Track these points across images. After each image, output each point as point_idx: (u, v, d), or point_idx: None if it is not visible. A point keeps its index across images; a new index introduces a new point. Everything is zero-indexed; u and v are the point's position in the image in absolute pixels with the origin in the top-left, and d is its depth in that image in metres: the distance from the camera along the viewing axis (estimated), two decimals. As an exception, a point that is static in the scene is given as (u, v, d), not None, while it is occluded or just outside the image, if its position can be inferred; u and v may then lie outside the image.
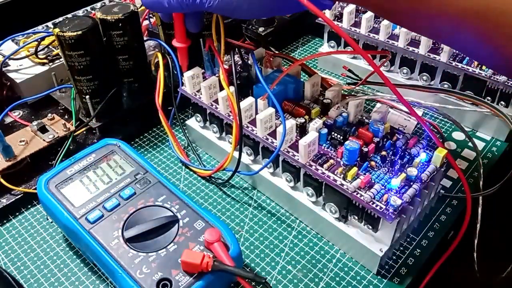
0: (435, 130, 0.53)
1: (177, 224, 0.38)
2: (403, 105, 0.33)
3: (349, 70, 0.53)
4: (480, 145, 0.52)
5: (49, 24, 0.65)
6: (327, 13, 0.59)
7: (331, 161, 0.40)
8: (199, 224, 0.38)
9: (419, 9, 0.31)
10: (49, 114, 0.52)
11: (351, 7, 0.57)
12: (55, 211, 0.40)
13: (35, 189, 0.46)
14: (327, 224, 0.42)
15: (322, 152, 0.41)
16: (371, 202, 0.36)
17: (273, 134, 0.43)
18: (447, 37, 0.32)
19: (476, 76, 0.50)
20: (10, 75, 0.57)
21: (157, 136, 0.56)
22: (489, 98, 0.50)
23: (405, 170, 0.38)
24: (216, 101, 0.47)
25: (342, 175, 0.38)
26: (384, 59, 0.56)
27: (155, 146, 0.55)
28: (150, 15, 0.63)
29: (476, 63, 0.50)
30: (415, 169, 0.38)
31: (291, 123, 0.41)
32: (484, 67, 0.49)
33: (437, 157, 0.38)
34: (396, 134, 0.42)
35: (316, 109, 0.44)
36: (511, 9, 0.27)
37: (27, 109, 0.57)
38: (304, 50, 0.69)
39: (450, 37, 0.32)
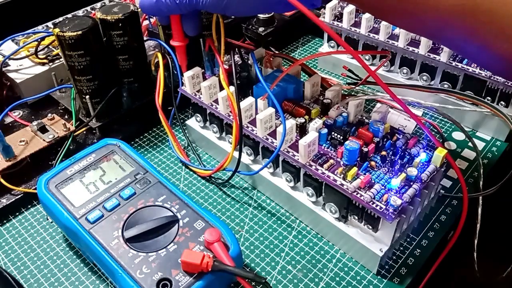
0: (435, 130, 0.53)
1: (177, 224, 0.38)
2: (399, 104, 0.33)
3: (349, 70, 0.53)
4: (480, 145, 0.52)
5: (49, 24, 0.65)
6: (327, 12, 0.59)
7: (331, 161, 0.40)
8: (199, 224, 0.38)
9: (407, 6, 0.31)
10: (49, 114, 0.52)
11: (351, 7, 0.57)
12: (55, 211, 0.40)
13: (35, 189, 0.46)
14: (327, 224, 0.42)
15: (322, 152, 0.41)
16: (371, 202, 0.36)
17: (273, 134, 0.43)
18: (435, 34, 0.32)
19: (476, 76, 0.50)
20: (10, 75, 0.57)
21: (157, 136, 0.56)
22: (489, 98, 0.50)
23: (405, 170, 0.38)
24: (216, 101, 0.47)
25: (342, 175, 0.38)
26: (384, 59, 0.56)
27: (155, 146, 0.55)
28: (150, 16, 0.63)
29: (476, 63, 0.50)
30: (415, 169, 0.38)
31: (291, 123, 0.41)
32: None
33: (437, 157, 0.38)
34: (396, 134, 0.42)
35: (316, 109, 0.44)
36: (497, 7, 0.27)
37: (27, 109, 0.57)
38: (304, 50, 0.69)
39: (438, 34, 0.32)
